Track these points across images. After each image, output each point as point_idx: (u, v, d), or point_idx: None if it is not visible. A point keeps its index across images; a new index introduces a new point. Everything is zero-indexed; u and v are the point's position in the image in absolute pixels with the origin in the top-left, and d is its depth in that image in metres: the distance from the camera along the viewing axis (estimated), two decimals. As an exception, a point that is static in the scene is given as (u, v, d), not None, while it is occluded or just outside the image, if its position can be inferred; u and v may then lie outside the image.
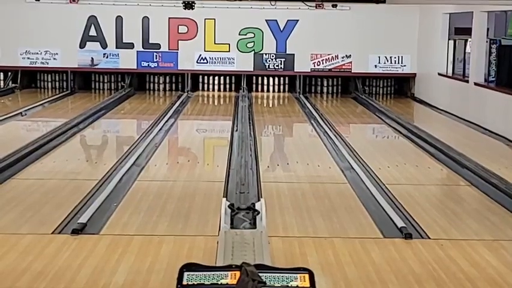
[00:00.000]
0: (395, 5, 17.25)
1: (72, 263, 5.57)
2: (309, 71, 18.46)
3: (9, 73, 18.34)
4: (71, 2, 17.92)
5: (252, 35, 18.29)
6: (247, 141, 11.19)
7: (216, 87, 18.87)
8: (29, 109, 14.74)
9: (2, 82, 18.43)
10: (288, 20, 18.29)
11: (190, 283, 4.33)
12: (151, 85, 18.84)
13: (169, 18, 18.18)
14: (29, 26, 17.97)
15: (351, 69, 18.44)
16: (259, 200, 7.33)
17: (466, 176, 9.10)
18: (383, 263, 5.70)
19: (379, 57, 18.39)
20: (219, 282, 4.33)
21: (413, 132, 12.34)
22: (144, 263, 5.60)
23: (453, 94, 15.41)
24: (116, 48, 18.25)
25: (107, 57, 18.26)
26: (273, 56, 18.39)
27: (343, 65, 18.41)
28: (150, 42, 18.25)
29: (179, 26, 18.25)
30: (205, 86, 18.87)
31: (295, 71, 18.48)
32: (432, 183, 9.05)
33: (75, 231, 6.34)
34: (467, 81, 14.67)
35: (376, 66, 18.43)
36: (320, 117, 14.21)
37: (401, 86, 18.92)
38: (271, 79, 18.81)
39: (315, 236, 6.47)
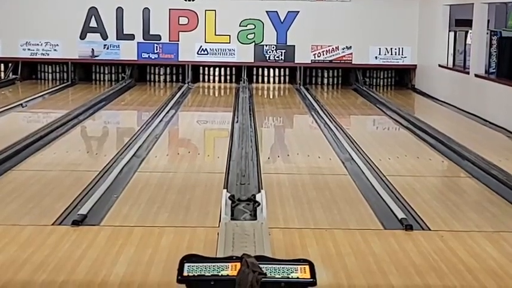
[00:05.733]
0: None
1: (73, 254, 5.58)
2: (310, 62, 18.44)
3: (10, 64, 18.32)
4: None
5: (253, 27, 18.27)
6: (248, 133, 11.19)
7: (217, 78, 18.85)
8: (29, 100, 14.72)
9: (2, 73, 18.42)
10: (288, 12, 18.26)
11: (190, 274, 4.34)
12: (152, 76, 18.82)
13: (169, 9, 18.16)
14: (29, 17, 17.97)
15: (351, 60, 18.42)
16: (259, 192, 7.33)
17: (467, 168, 9.10)
18: (383, 254, 5.70)
19: (379, 48, 18.37)
20: (220, 274, 4.34)
21: (414, 123, 12.34)
22: (144, 255, 5.60)
23: (454, 86, 15.40)
24: (117, 39, 18.22)
25: (108, 48, 18.24)
26: (273, 48, 18.37)
27: (344, 56, 18.39)
28: (150, 33, 18.23)
29: (180, 18, 18.22)
30: (206, 77, 18.84)
31: (295, 62, 18.46)
32: (433, 175, 9.05)
33: (75, 223, 6.34)
34: (467, 73, 14.65)
35: (376, 57, 18.40)
36: (321, 108, 14.20)
37: (401, 77, 18.90)
38: (271, 70, 18.80)
39: (315, 227, 6.47)
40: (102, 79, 18.69)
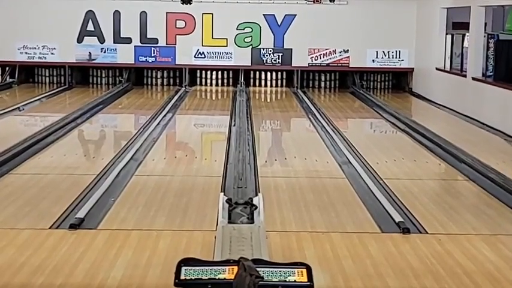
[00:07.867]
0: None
1: (70, 258, 5.57)
2: (307, 65, 18.46)
3: (7, 68, 18.31)
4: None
5: (250, 30, 18.28)
6: (245, 136, 11.18)
7: (214, 81, 18.86)
8: (26, 104, 14.72)
9: (-1, 77, 18.45)
10: (285, 15, 18.28)
11: (188, 278, 4.33)
12: (149, 80, 18.82)
13: (166, 12, 18.17)
14: (26, 20, 17.96)
15: (348, 63, 18.43)
16: (256, 195, 7.33)
17: (464, 171, 9.10)
18: (381, 258, 5.70)
19: (376, 51, 18.38)
20: (217, 277, 4.33)
21: (411, 126, 12.34)
22: (142, 258, 5.60)
23: (451, 89, 15.41)
24: (114, 43, 18.23)
25: (105, 52, 18.25)
26: (270, 51, 18.39)
27: (341, 59, 18.40)
28: (147, 37, 18.24)
29: (177, 21, 18.24)
30: (203, 80, 18.86)
31: (292, 65, 18.47)
32: (430, 178, 9.05)
33: (73, 226, 6.33)
34: (465, 76, 14.67)
35: (373, 60, 18.42)
36: (318, 111, 14.21)
37: (399, 80, 18.92)
38: (268, 74, 18.80)
39: (312, 230, 6.47)
40: (99, 82, 18.70)
